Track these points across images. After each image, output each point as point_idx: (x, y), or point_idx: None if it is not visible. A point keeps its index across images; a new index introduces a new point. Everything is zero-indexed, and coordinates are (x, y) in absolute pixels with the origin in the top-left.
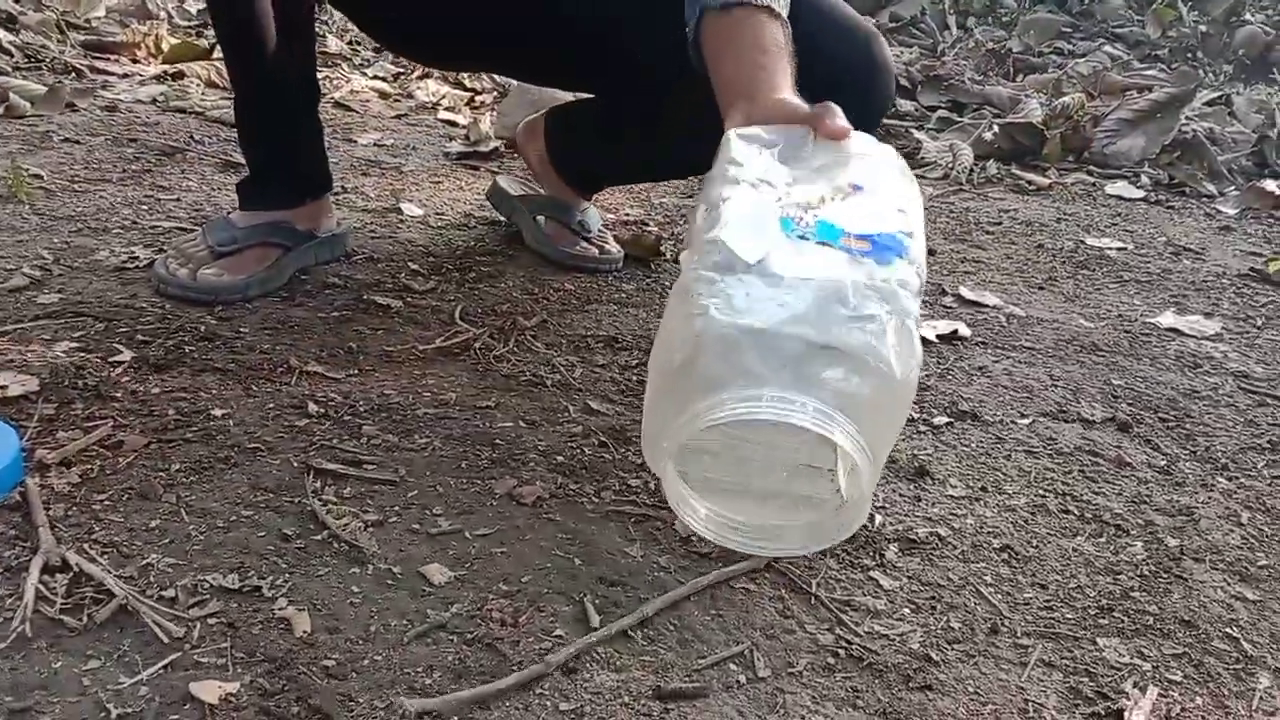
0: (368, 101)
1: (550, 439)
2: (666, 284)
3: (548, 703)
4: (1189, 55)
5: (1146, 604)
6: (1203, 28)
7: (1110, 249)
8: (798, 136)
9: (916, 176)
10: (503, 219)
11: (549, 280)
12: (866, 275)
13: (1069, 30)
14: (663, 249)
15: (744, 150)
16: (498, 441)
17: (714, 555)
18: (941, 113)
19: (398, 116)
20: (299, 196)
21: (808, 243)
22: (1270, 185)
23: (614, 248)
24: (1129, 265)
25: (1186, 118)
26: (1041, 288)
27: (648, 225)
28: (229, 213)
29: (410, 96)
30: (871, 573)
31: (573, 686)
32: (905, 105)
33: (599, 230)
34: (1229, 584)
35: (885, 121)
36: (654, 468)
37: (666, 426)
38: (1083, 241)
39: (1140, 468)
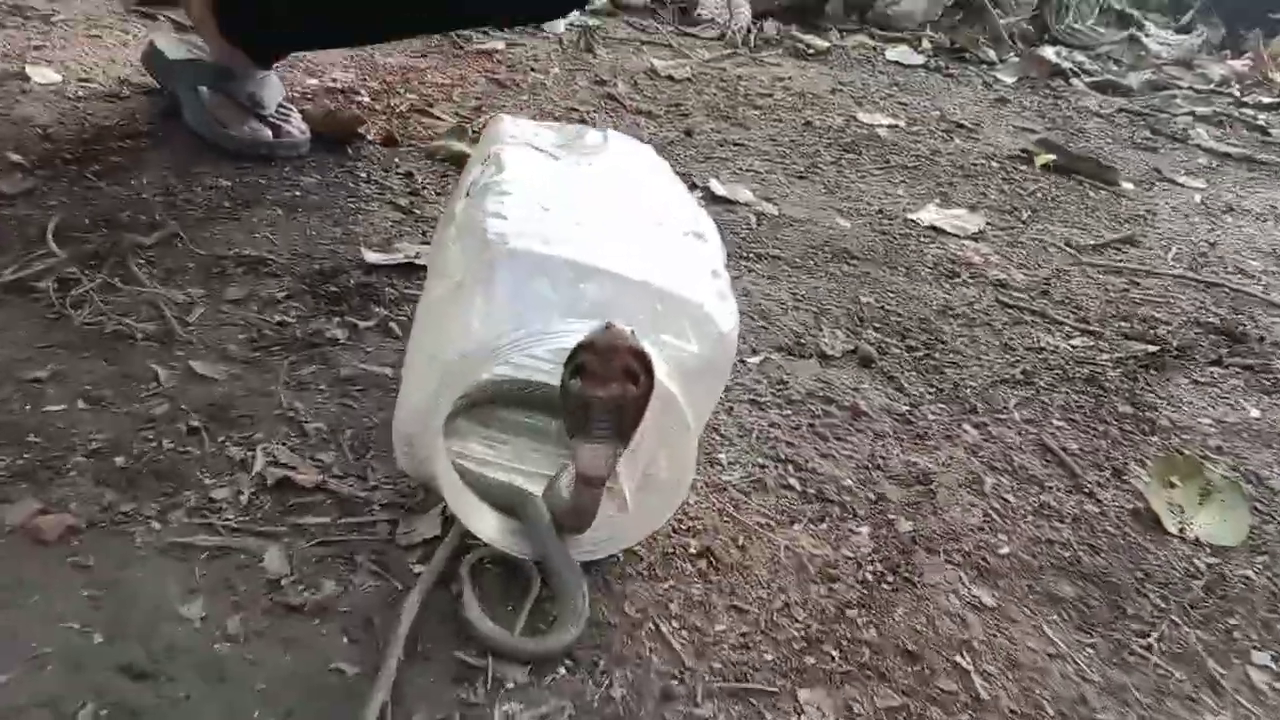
0: None
1: (114, 428)
2: (364, 176)
3: None
4: None
5: (863, 629)
6: None
7: (881, 126)
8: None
9: (690, 36)
10: (162, 89)
11: (202, 173)
12: (666, 236)
13: None
14: (366, 130)
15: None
16: (34, 438)
17: (307, 608)
18: None
19: None
20: None
21: (593, 194)
22: (1048, 53)
23: (297, 128)
24: (898, 146)
25: None
26: (802, 176)
27: (358, 94)
28: None
29: None
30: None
31: None
32: None
33: (280, 107)
34: (963, 584)
35: None
36: (411, 466)
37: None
38: (854, 118)
39: (878, 416)
